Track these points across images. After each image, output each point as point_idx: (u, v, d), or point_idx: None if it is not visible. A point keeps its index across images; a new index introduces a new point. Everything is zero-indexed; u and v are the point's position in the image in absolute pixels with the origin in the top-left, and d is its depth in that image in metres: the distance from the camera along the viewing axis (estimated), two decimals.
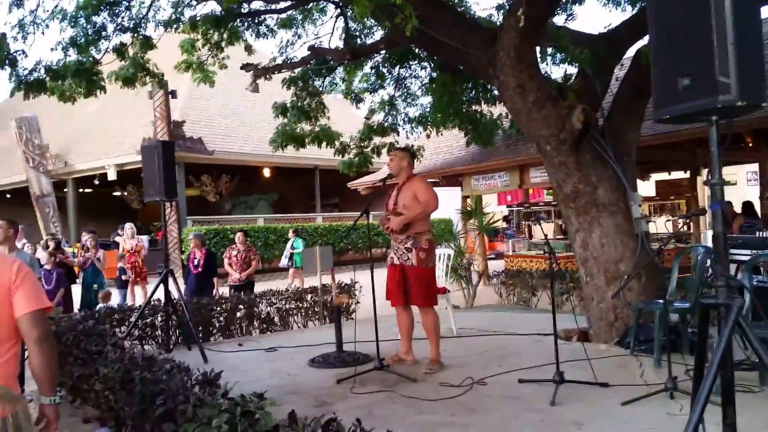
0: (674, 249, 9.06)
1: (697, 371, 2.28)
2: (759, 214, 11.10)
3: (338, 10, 8.18)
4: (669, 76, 2.16)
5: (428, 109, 9.17)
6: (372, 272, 4.96)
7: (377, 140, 9.41)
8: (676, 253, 5.78)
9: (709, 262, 4.87)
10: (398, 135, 9.59)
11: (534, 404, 3.92)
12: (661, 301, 4.67)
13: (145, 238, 11.40)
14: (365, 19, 7.80)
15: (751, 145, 10.89)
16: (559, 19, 7.33)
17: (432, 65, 8.56)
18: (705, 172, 14.05)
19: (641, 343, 5.06)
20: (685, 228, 12.01)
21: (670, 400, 3.79)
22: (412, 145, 8.64)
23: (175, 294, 6.14)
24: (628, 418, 3.60)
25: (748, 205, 11.48)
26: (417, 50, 8.27)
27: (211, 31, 7.68)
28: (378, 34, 8.39)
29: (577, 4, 7.42)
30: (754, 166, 13.54)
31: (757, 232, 6.44)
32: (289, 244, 13.75)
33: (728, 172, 16.39)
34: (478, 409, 3.90)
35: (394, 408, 3.96)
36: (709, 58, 2.01)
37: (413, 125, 9.53)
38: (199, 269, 8.58)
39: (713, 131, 2.13)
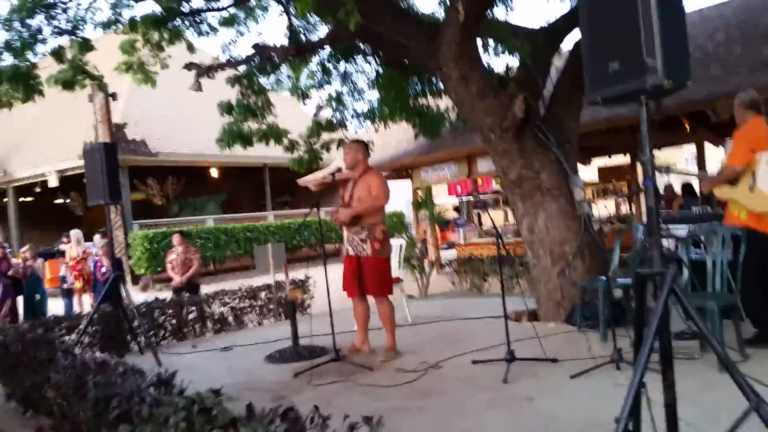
0: (617, 230, 9.36)
1: (637, 337, 2.41)
2: (698, 194, 11.56)
3: (281, 7, 8.14)
4: (599, 61, 2.28)
5: (376, 104, 9.22)
6: (325, 265, 5.01)
7: (326, 136, 9.42)
8: (617, 232, 6.02)
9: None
10: (347, 130, 9.61)
11: (487, 383, 4.05)
12: (604, 278, 4.87)
13: (91, 245, 11.09)
14: (308, 15, 7.80)
15: (688, 128, 11.29)
16: (499, 12, 7.50)
17: (377, 60, 8.62)
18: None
19: (587, 320, 5.25)
20: (628, 210, 12.43)
21: (616, 371, 3.97)
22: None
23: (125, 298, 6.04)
24: (576, 390, 3.76)
25: (687, 187, 11.93)
26: (362, 46, 8.31)
27: (151, 31, 7.54)
28: (322, 30, 8.40)
29: None
30: (692, 148, 14.07)
31: (693, 208, 6.72)
32: None
33: (668, 154, 17.01)
34: (434, 391, 4.00)
35: (351, 396, 4.03)
36: (636, 42, 2.12)
37: (361, 120, 9.57)
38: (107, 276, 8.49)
39: (643, 111, 2.26)
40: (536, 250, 5.87)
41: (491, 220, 5.42)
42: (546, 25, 6.70)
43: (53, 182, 17.95)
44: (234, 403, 2.44)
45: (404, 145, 14.04)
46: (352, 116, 9.56)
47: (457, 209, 18.73)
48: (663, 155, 16.01)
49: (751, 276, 4.21)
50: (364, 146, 5.34)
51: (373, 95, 9.31)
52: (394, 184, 6.80)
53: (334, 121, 9.34)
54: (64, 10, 6.87)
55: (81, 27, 7.06)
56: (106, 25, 7.28)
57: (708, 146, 12.60)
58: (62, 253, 11.58)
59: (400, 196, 12.38)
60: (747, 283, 4.20)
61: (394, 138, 14.30)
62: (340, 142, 9.14)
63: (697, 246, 5.23)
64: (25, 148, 20.10)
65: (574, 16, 6.49)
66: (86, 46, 7.10)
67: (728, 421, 2.16)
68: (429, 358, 4.76)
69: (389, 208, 5.30)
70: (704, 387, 3.54)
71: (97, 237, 10.73)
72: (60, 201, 21.46)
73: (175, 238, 9.00)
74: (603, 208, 11.93)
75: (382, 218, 5.14)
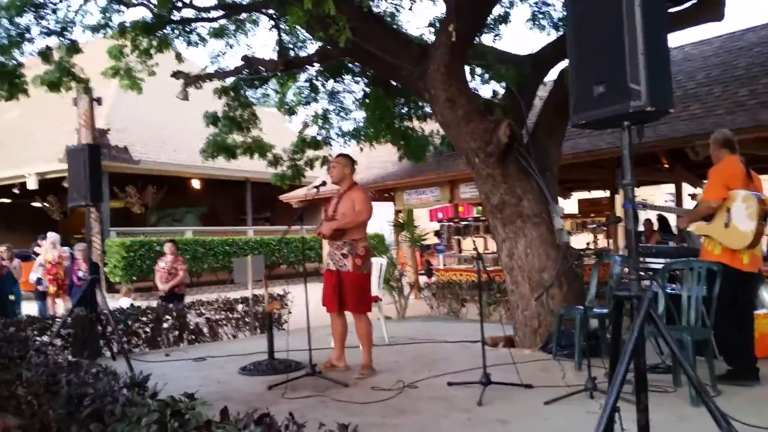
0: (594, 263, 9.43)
1: (612, 358, 2.43)
2: (674, 231, 11.72)
3: (272, 22, 8.21)
4: (585, 84, 2.33)
5: (361, 124, 9.30)
6: (305, 280, 4.99)
7: (310, 153, 9.46)
8: (595, 263, 6.07)
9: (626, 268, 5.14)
10: (331, 148, 9.66)
11: (462, 404, 4.04)
12: (581, 307, 4.91)
13: (67, 249, 10.92)
14: (298, 31, 7.88)
15: (666, 166, 11.47)
16: (487, 39, 7.64)
17: (365, 80, 8.70)
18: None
19: (563, 348, 5.28)
20: (606, 243, 12.56)
21: (589, 400, 3.98)
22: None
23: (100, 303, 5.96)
24: (550, 416, 3.77)
25: (664, 223, 12.10)
26: (350, 64, 8.39)
27: (141, 38, 7.56)
28: (311, 48, 8.47)
29: (503, 23, 7.73)
30: (671, 187, 14.30)
31: (670, 242, 6.80)
32: None
33: (646, 193, 17.28)
34: (409, 410, 3.99)
35: (326, 411, 3.99)
36: (621, 67, 2.18)
37: (346, 139, 9.63)
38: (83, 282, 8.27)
39: (625, 136, 2.31)
40: (515, 276, 5.91)
41: (474, 244, 5.44)
42: (532, 53, 6.83)
43: (32, 184, 17.69)
44: (208, 408, 2.41)
45: (388, 167, 14.11)
46: (338, 135, 9.63)
47: (437, 234, 18.78)
48: (641, 193, 16.25)
49: (724, 312, 4.27)
50: (351, 161, 5.33)
51: (359, 115, 9.40)
52: (375, 206, 6.77)
53: (319, 139, 9.39)
54: (54, 11, 6.90)
55: (70, 29, 7.08)
56: (95, 29, 7.31)
57: (686, 187, 12.83)
58: (37, 256, 11.40)
59: (381, 218, 12.39)
60: (721, 319, 4.26)
61: (378, 159, 14.37)
62: (324, 160, 9.18)
63: (672, 281, 5.30)
64: (5, 149, 19.81)
65: (559, 45, 6.62)
66: (74, 48, 7.11)
67: None
68: (405, 377, 4.74)
69: (369, 230, 5.30)
70: (677, 419, 3.57)
71: (77, 245, 10.58)
72: (37, 204, 21.10)
73: (167, 247, 8.92)
74: (582, 244, 12.06)
75: (364, 234, 5.15)
